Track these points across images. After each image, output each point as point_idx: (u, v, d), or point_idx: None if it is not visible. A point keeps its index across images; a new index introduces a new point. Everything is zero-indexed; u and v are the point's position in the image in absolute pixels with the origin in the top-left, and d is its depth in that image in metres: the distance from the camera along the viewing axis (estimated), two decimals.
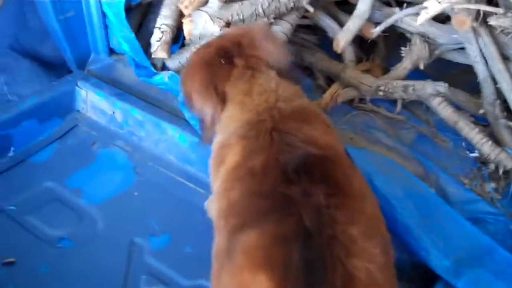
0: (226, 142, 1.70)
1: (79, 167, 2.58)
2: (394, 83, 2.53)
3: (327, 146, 1.59)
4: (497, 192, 2.27)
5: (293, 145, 1.54)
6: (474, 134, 2.34)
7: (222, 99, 1.81)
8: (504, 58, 2.38)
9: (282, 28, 2.65)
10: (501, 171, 2.28)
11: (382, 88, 2.53)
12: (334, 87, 2.66)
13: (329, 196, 1.39)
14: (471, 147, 2.45)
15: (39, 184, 2.49)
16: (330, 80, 2.80)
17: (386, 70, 2.80)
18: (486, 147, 2.30)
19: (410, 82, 2.51)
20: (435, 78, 2.75)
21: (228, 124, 1.75)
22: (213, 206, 1.72)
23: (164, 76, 2.61)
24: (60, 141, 2.71)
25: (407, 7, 2.60)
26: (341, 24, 2.82)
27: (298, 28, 2.86)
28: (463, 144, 2.46)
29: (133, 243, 2.26)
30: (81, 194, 2.46)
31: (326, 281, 1.25)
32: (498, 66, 2.35)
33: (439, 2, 2.05)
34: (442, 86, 2.45)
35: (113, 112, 2.71)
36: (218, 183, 1.68)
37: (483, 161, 2.39)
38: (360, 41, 2.84)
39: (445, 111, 2.44)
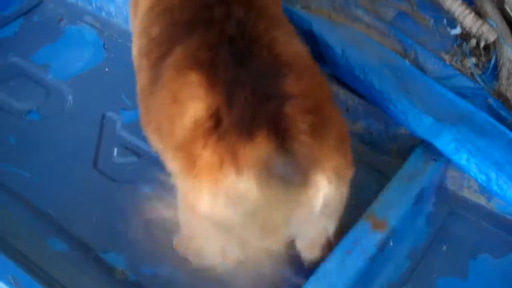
0: None
1: (45, 43, 2.50)
2: None
3: None
4: (478, 67, 2.23)
5: None
6: (456, 5, 2.26)
7: None
8: None
9: None
10: (482, 44, 2.21)
11: None
12: None
13: (249, 11, 1.45)
14: (452, 25, 2.39)
15: (4, 60, 2.42)
16: None
17: None
18: (468, 19, 2.23)
19: None
20: None
21: None
22: (132, 47, 1.71)
23: None
24: (25, 17, 2.61)
25: None
26: None
27: None
28: (445, 21, 2.38)
29: (104, 116, 2.22)
30: (48, 69, 2.40)
31: (254, 59, 1.34)
32: None
33: None
34: None
35: None
36: (136, 24, 1.70)
37: (464, 37, 2.33)
38: None
39: None
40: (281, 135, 1.23)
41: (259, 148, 1.21)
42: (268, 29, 1.43)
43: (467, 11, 2.24)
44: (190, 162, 1.27)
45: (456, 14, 2.26)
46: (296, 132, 1.24)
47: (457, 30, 2.34)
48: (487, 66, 2.24)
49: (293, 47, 1.45)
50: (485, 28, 2.20)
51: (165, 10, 1.56)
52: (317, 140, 1.26)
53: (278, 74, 1.31)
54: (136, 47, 1.67)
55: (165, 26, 1.53)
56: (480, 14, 2.28)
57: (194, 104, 1.29)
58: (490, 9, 2.26)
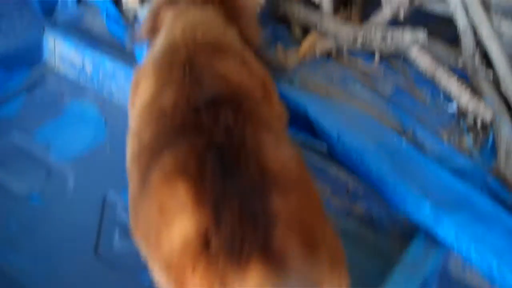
0: (143, 65, 1.76)
1: (47, 120, 2.53)
2: (372, 33, 2.45)
3: (236, 85, 1.59)
4: (476, 145, 2.24)
5: (202, 83, 1.55)
6: (452, 83, 2.29)
7: (156, 27, 1.91)
8: (485, 7, 2.31)
9: None
10: (479, 123, 2.24)
11: (360, 39, 2.46)
12: (311, 36, 2.58)
13: (237, 115, 1.43)
14: (449, 99, 2.41)
15: (5, 138, 2.44)
16: (306, 31, 2.72)
17: (364, 20, 2.72)
18: (465, 97, 2.25)
19: (389, 31, 2.42)
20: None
21: (151, 50, 1.82)
22: (126, 147, 1.70)
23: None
24: (27, 93, 2.64)
25: None
26: None
27: None
28: (441, 96, 2.41)
29: (105, 198, 2.22)
30: (49, 149, 2.42)
31: (241, 171, 1.31)
32: (478, 14, 2.29)
33: None
34: (421, 33, 2.37)
35: (83, 64, 2.62)
36: (132, 117, 1.71)
37: (461, 113, 2.35)
38: None
39: (424, 61, 2.37)
40: (271, 261, 1.20)
41: (250, 276, 1.19)
42: (255, 133, 1.42)
43: (464, 89, 2.26)
44: (179, 284, 1.26)
45: (453, 92, 2.29)
46: (287, 257, 1.21)
47: (454, 106, 2.37)
48: (485, 144, 2.26)
49: (280, 154, 1.42)
50: (482, 106, 2.22)
51: (158, 112, 1.56)
52: (309, 264, 1.25)
53: (265, 190, 1.28)
54: (129, 149, 1.66)
55: (157, 131, 1.53)
56: (476, 91, 2.31)
57: (181, 220, 1.27)
58: (486, 87, 2.28)
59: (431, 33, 2.54)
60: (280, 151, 1.42)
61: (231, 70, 1.63)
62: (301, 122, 2.18)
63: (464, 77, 2.42)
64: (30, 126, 2.48)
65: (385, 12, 2.51)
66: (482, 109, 2.22)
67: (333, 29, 2.51)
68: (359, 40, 2.46)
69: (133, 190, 1.54)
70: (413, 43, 2.38)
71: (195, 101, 1.50)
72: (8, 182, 2.26)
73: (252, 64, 1.75)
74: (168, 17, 1.87)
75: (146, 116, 1.60)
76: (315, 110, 2.16)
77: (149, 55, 1.83)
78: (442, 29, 2.62)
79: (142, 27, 2.05)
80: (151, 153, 1.48)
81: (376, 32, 2.44)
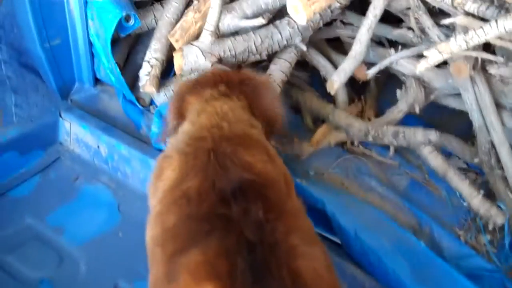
0: (167, 153, 1.76)
1: (61, 203, 2.50)
2: (384, 128, 2.47)
3: (261, 173, 1.60)
4: (493, 245, 2.23)
5: (228, 169, 1.56)
6: (464, 186, 2.29)
7: (181, 114, 1.92)
8: (500, 106, 2.33)
9: (281, 67, 2.59)
10: (490, 227, 2.23)
11: (372, 133, 2.48)
12: (325, 127, 2.60)
13: (267, 212, 1.43)
14: None
15: (19, 221, 2.41)
16: (318, 119, 2.74)
17: (378, 110, 2.75)
18: (476, 201, 2.26)
19: (401, 128, 2.45)
20: (427, 121, 2.73)
21: (176, 137, 1.83)
22: (147, 232, 1.68)
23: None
24: (41, 175, 2.62)
25: (401, 49, 2.56)
26: (332, 62, 2.78)
27: None
28: (457, 193, 2.41)
29: (117, 286, 2.18)
30: (62, 233, 2.38)
31: (274, 279, 1.29)
32: (490, 117, 2.30)
33: (440, 52, 2.00)
34: (433, 134, 2.40)
35: (98, 146, 2.63)
36: (154, 201, 1.69)
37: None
38: (351, 80, 2.78)
39: (435, 160, 2.39)
40: None
41: None
42: (287, 234, 1.42)
43: (475, 192, 2.26)
44: None
45: (464, 194, 2.28)
46: None
47: None
48: (502, 243, 2.24)
49: (312, 260, 1.41)
50: (493, 211, 2.22)
51: (182, 197, 1.56)
52: None
53: None
54: (150, 232, 1.65)
55: (181, 217, 1.52)
56: (492, 191, 2.30)
57: None
58: (502, 186, 2.28)
59: (446, 125, 2.57)
60: (312, 255, 1.42)
61: (256, 159, 1.64)
62: (317, 216, 2.17)
63: (481, 172, 2.43)
64: (43, 209, 2.45)
65: (401, 107, 2.52)
66: (494, 214, 2.22)
67: (344, 123, 2.53)
68: (371, 135, 2.47)
69: (156, 278, 1.51)
70: (425, 143, 2.39)
71: (220, 188, 1.51)
72: (19, 268, 2.22)
73: (275, 156, 1.76)
74: (192, 105, 1.90)
75: (169, 200, 1.60)
76: (333, 206, 2.15)
77: (173, 142, 1.84)
78: (458, 121, 2.64)
79: (168, 113, 2.07)
80: (177, 241, 1.47)
81: (387, 129, 2.45)
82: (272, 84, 2.23)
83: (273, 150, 1.78)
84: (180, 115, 1.94)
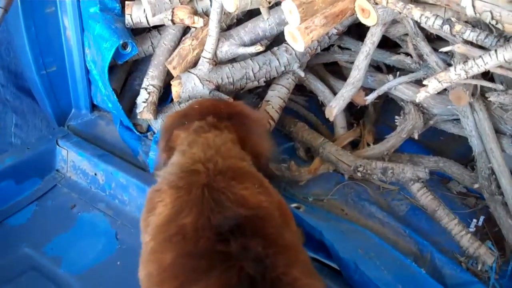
0: (158, 187, 1.72)
1: (58, 231, 2.46)
2: (373, 164, 2.45)
3: (257, 206, 1.58)
4: (495, 272, 2.21)
5: (223, 205, 1.54)
6: (453, 225, 2.26)
7: (170, 148, 1.89)
8: (499, 132, 2.33)
9: (278, 93, 2.59)
10: (479, 267, 2.21)
11: (360, 169, 2.46)
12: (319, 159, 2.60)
13: (266, 247, 1.42)
14: (465, 221, 2.40)
15: (16, 250, 2.37)
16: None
17: (376, 135, 2.75)
18: (465, 240, 2.23)
19: (390, 165, 2.42)
20: (426, 146, 2.73)
21: (166, 170, 1.79)
22: (140, 270, 1.65)
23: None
24: (38, 203, 2.60)
25: (399, 74, 2.56)
26: (330, 87, 2.78)
27: None
28: (457, 217, 2.40)
29: None
30: (60, 262, 2.34)
31: None
32: (490, 144, 2.29)
33: (439, 81, 1.99)
34: (422, 171, 2.37)
35: (95, 174, 2.61)
36: (147, 237, 1.65)
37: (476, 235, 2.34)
38: (349, 105, 2.77)
39: (424, 198, 2.36)
40: None
41: None
42: (288, 268, 1.41)
43: (464, 231, 2.24)
44: None
45: (453, 233, 2.26)
46: None
47: (471, 228, 2.35)
48: (505, 269, 2.23)
49: None
50: (482, 250, 2.20)
51: (178, 234, 1.53)
52: None
53: None
54: (144, 270, 1.62)
55: (178, 255, 1.50)
56: (493, 217, 2.29)
57: None
58: (503, 212, 2.27)
59: (446, 149, 2.57)
60: (313, 284, 1.44)
61: (250, 192, 1.61)
62: (316, 245, 2.15)
63: (482, 197, 2.42)
64: (40, 238, 2.41)
65: (400, 133, 2.52)
66: (483, 253, 2.20)
67: (334, 159, 2.52)
68: (359, 171, 2.46)
69: None
70: (414, 180, 2.38)
71: (216, 224, 1.49)
72: None
73: (268, 187, 1.74)
74: (181, 139, 1.88)
75: (164, 237, 1.57)
76: (331, 236, 2.12)
77: (164, 175, 1.79)
78: (457, 145, 2.64)
79: (157, 147, 2.09)
80: (177, 280, 1.45)
81: (376, 165, 2.44)
82: (261, 120, 2.20)
83: (265, 180, 1.76)
84: (169, 149, 1.91)
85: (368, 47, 2.38)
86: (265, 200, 1.63)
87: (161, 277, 1.51)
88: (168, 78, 2.59)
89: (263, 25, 2.50)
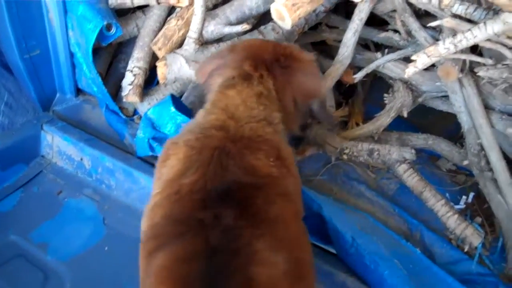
0: (176, 140, 1.71)
1: (44, 218, 2.42)
2: (359, 146, 2.41)
3: (263, 176, 1.56)
4: (485, 247, 2.20)
5: (227, 170, 1.53)
6: (439, 206, 2.23)
7: (206, 86, 1.91)
8: (488, 108, 2.30)
9: None
10: (466, 248, 2.19)
11: (346, 151, 2.42)
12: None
13: (238, 218, 1.42)
14: (455, 199, 2.39)
15: (2, 237, 2.33)
16: None
17: (365, 114, 2.72)
18: (452, 221, 2.21)
19: (376, 146, 2.39)
20: (415, 124, 2.71)
21: (189, 125, 1.79)
22: (142, 221, 1.65)
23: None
24: (24, 189, 2.55)
25: (388, 51, 2.53)
26: (318, 66, 2.74)
27: None
28: (447, 195, 2.39)
29: None
30: (47, 249, 2.31)
31: (228, 286, 1.29)
32: (479, 120, 2.27)
33: (428, 56, 1.97)
34: (408, 153, 2.34)
35: (81, 159, 2.57)
36: (156, 188, 1.65)
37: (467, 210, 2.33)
38: (337, 84, 2.74)
39: (411, 179, 2.32)
40: None
41: None
42: (252, 240, 1.39)
43: (450, 212, 2.22)
44: None
45: (440, 214, 2.24)
46: None
47: (461, 205, 2.34)
48: (495, 245, 2.22)
49: (269, 270, 1.37)
50: (469, 231, 2.18)
51: (176, 193, 1.53)
52: None
53: None
54: (143, 222, 1.62)
55: (165, 215, 1.50)
56: (483, 193, 2.28)
57: None
58: (492, 188, 2.26)
59: (435, 126, 2.55)
60: (272, 262, 1.38)
61: (262, 163, 1.59)
62: (314, 221, 2.11)
63: (471, 174, 2.41)
64: (26, 225, 2.37)
65: (388, 113, 2.49)
66: (469, 234, 2.18)
67: (321, 140, 2.49)
68: (346, 154, 2.43)
69: (141, 267, 1.53)
70: (400, 162, 2.35)
71: (210, 188, 1.49)
72: (3, 286, 2.16)
73: (285, 161, 1.67)
74: (215, 87, 1.84)
75: (166, 194, 1.57)
76: (330, 211, 2.10)
77: (184, 132, 1.76)
78: (446, 122, 2.63)
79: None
80: (155, 240, 1.47)
81: (362, 147, 2.41)
82: (312, 61, 2.00)
83: (286, 152, 1.70)
84: (206, 87, 1.92)
85: (356, 23, 2.36)
86: (276, 172, 1.60)
87: (148, 234, 1.53)
88: (153, 60, 2.55)
89: (250, 3, 2.46)
